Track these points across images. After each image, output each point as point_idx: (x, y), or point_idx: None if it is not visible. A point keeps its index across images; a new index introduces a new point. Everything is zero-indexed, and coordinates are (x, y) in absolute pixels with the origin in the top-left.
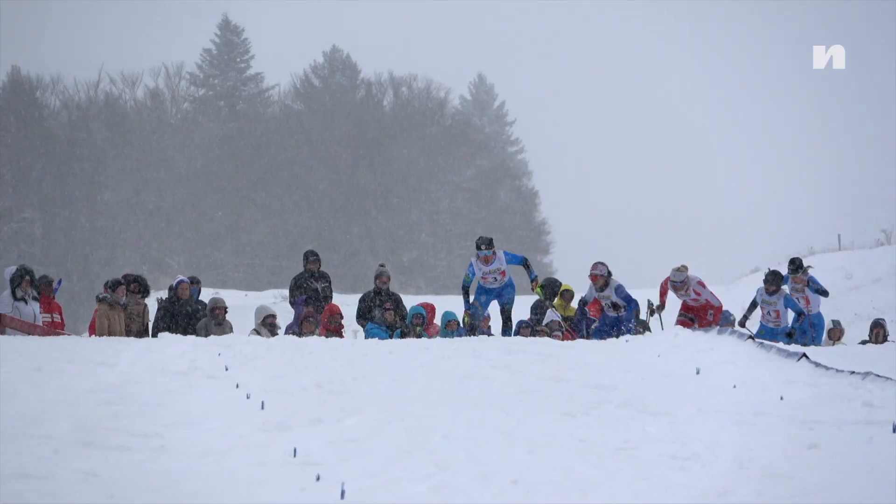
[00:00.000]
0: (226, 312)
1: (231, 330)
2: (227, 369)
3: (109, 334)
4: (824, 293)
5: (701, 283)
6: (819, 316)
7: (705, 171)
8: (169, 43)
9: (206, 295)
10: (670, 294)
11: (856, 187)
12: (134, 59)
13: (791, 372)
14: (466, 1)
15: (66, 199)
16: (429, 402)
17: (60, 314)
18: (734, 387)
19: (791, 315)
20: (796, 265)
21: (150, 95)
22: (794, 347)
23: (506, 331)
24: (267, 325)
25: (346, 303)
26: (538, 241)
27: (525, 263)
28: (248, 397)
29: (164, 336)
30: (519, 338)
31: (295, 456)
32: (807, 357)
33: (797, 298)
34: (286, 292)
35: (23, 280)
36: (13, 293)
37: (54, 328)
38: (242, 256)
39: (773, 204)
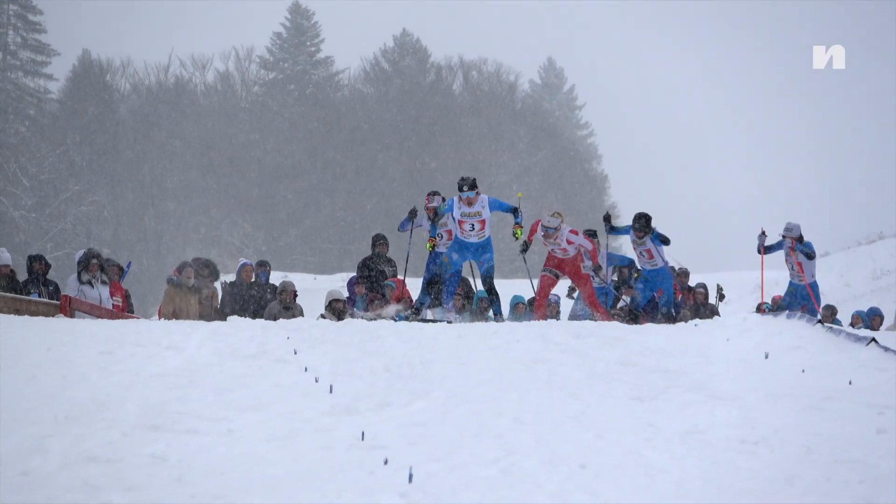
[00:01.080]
0: (295, 296)
1: (301, 313)
2: (295, 353)
3: (175, 317)
4: (666, 241)
5: (574, 232)
6: (664, 270)
7: (758, 161)
8: (239, 26)
9: (275, 278)
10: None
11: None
12: (204, 43)
13: (860, 356)
14: None
15: (135, 182)
16: (497, 386)
17: (123, 297)
18: (803, 371)
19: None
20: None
21: (220, 79)
22: (863, 332)
23: (494, 305)
24: (334, 310)
25: (416, 286)
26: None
27: (515, 210)
28: (316, 381)
29: (233, 319)
30: (588, 322)
31: (363, 440)
32: (876, 342)
33: (640, 253)
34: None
35: (89, 263)
36: (79, 276)
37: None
38: (311, 240)
39: (839, 191)
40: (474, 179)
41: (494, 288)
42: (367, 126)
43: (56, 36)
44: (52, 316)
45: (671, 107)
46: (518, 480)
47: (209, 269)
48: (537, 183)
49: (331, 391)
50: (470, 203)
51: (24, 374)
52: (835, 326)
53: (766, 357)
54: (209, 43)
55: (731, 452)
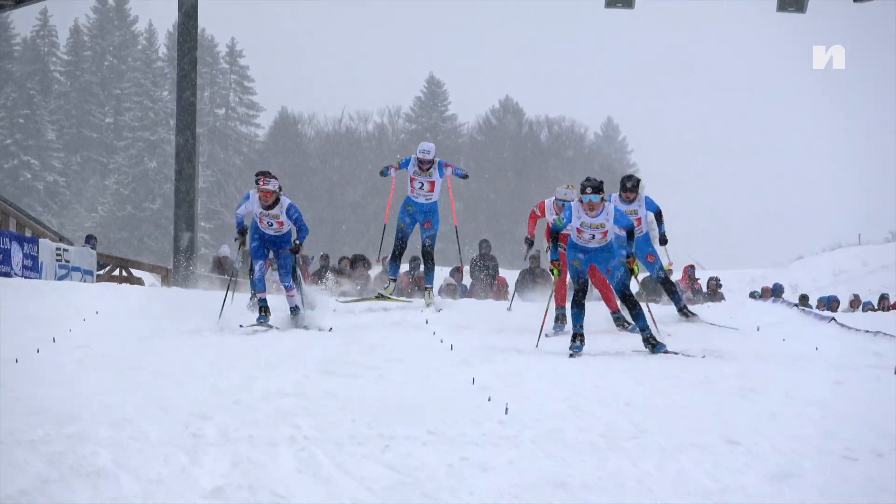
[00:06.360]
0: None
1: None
2: (427, 322)
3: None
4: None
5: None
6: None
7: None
8: (391, 91)
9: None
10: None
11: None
12: (367, 102)
13: (823, 330)
14: (601, 63)
15: (318, 202)
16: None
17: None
18: (783, 340)
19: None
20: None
21: (378, 129)
22: (826, 313)
23: (634, 314)
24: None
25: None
26: None
27: (630, 231)
28: (441, 342)
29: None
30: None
31: (474, 383)
32: (835, 320)
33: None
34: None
35: None
36: None
37: None
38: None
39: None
40: (601, 183)
41: (626, 295)
42: (479, 164)
43: (263, 96)
44: None
45: (699, 133)
46: (581, 413)
47: (364, 262)
48: None
49: (451, 349)
50: (591, 208)
51: (240, 334)
52: (806, 308)
53: (758, 329)
54: (370, 102)
55: (731, 395)
